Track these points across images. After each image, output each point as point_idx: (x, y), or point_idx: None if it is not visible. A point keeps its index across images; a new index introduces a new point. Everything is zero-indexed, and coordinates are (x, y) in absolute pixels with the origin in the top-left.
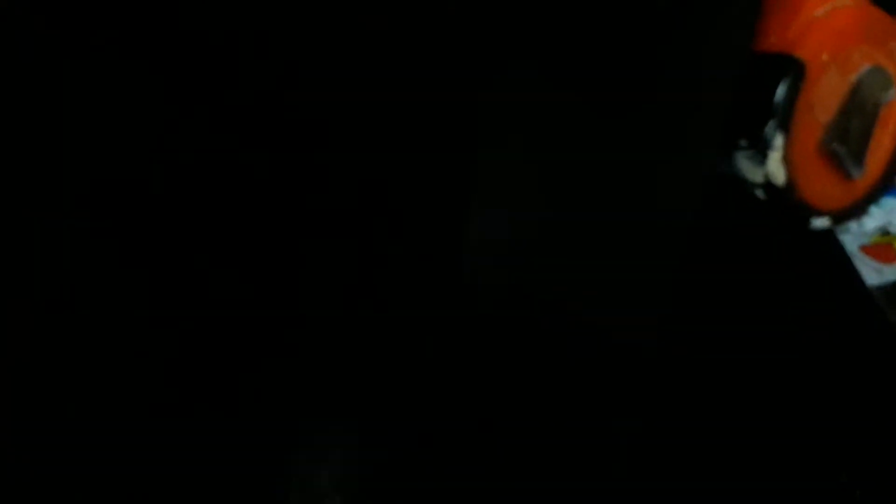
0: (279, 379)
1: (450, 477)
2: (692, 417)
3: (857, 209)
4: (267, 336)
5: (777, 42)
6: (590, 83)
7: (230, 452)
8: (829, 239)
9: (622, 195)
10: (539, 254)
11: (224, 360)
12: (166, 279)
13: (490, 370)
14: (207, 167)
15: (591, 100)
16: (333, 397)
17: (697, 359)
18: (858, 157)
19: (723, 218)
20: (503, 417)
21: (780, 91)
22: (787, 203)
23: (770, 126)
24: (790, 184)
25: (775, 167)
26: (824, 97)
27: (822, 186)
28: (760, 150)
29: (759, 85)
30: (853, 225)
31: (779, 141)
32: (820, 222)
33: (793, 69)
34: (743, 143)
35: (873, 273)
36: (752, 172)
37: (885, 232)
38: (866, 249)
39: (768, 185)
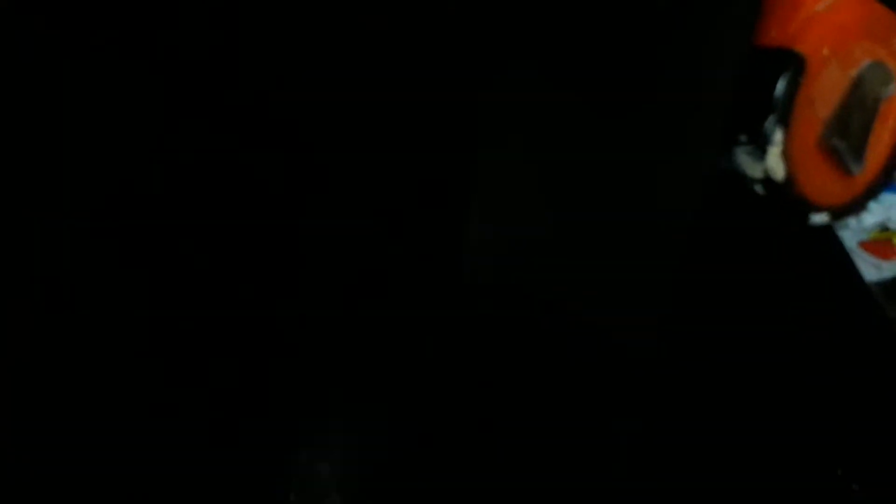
0: (279, 378)
1: (450, 477)
2: (692, 417)
3: (857, 205)
4: (267, 336)
5: (778, 37)
6: (590, 83)
7: (230, 452)
8: (828, 235)
9: (622, 195)
10: (539, 254)
11: (224, 359)
12: (166, 279)
13: (490, 370)
14: (207, 167)
15: (591, 100)
16: (333, 397)
17: (697, 358)
18: (858, 152)
19: (723, 217)
20: (503, 417)
21: (781, 86)
22: (786, 198)
23: (770, 121)
24: (789, 179)
25: (775, 162)
26: (824, 92)
27: (821, 182)
28: (760, 145)
29: (759, 80)
30: (852, 221)
31: (778, 136)
32: (819, 218)
33: (793, 64)
34: (742, 137)
35: (872, 269)
36: (751, 167)
37: (884, 228)
38: (865, 245)
39: (768, 180)
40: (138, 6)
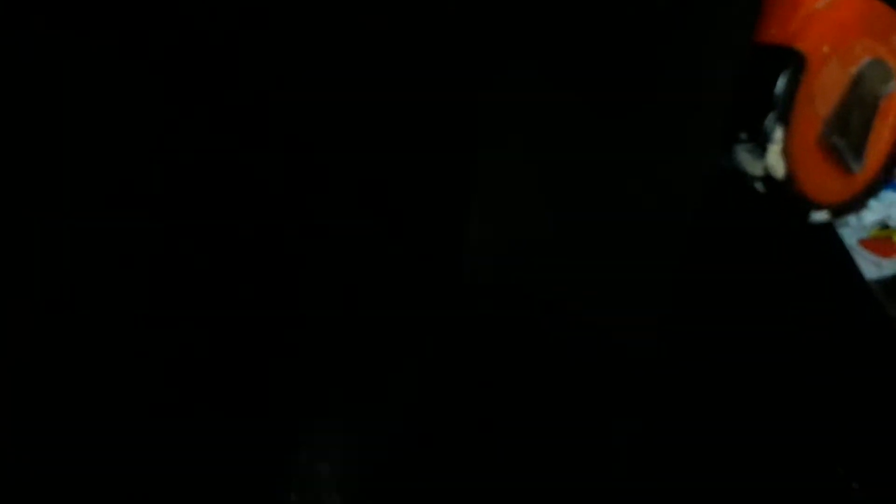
0: (279, 378)
1: (450, 477)
2: (691, 417)
3: (857, 203)
4: (267, 336)
5: (778, 34)
6: (590, 83)
7: (230, 452)
8: (828, 233)
9: (622, 195)
10: (539, 254)
11: (224, 359)
12: (166, 279)
13: (490, 370)
14: (207, 167)
15: (591, 100)
16: (334, 397)
17: (697, 358)
18: (858, 150)
19: (723, 216)
20: (503, 417)
21: (781, 83)
22: (786, 196)
23: (770, 119)
24: (790, 177)
25: (775, 160)
26: (825, 90)
27: (821, 180)
28: (760, 143)
29: (759, 77)
30: (852, 218)
31: (779, 134)
32: (819, 216)
33: (793, 61)
34: (743, 135)
35: (872, 267)
36: (751, 165)
37: (884, 226)
38: (865, 243)
39: (768, 178)
40: (138, 6)
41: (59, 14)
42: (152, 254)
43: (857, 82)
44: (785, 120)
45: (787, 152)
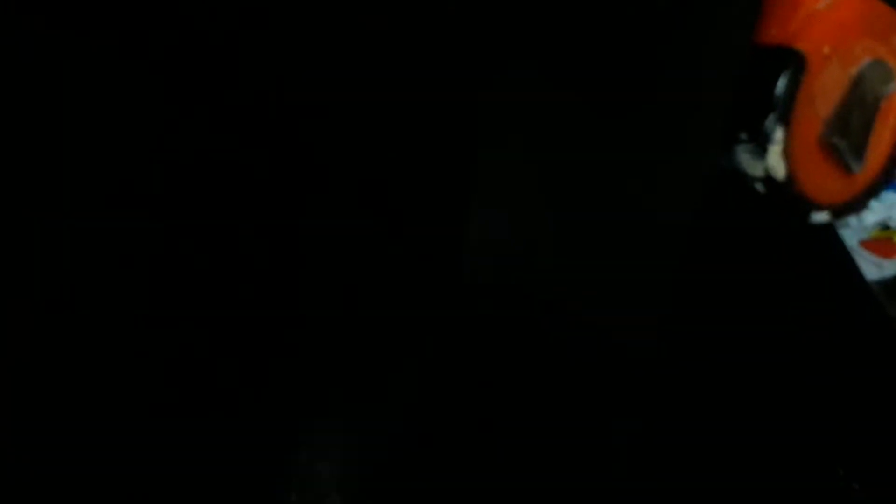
0: (279, 378)
1: (450, 477)
2: (691, 417)
3: (857, 203)
4: (267, 336)
5: (778, 35)
6: (590, 83)
7: (231, 452)
8: (828, 233)
9: (622, 195)
10: (539, 254)
11: (224, 359)
12: (166, 279)
13: (490, 370)
14: (207, 167)
15: (591, 100)
16: (334, 397)
17: (697, 358)
18: (859, 150)
19: (723, 217)
20: (503, 417)
21: (781, 84)
22: (787, 197)
23: (770, 119)
24: (790, 177)
25: (775, 161)
26: (825, 90)
27: (822, 180)
28: (760, 144)
29: (759, 78)
30: (853, 219)
31: (779, 134)
32: (820, 216)
33: (794, 62)
34: (743, 136)
35: (873, 268)
36: (752, 166)
37: (884, 226)
38: (866, 244)
39: (768, 178)
40: (138, 6)
41: (59, 14)
42: (152, 254)
43: (858, 83)
44: (785, 120)
45: (787, 153)
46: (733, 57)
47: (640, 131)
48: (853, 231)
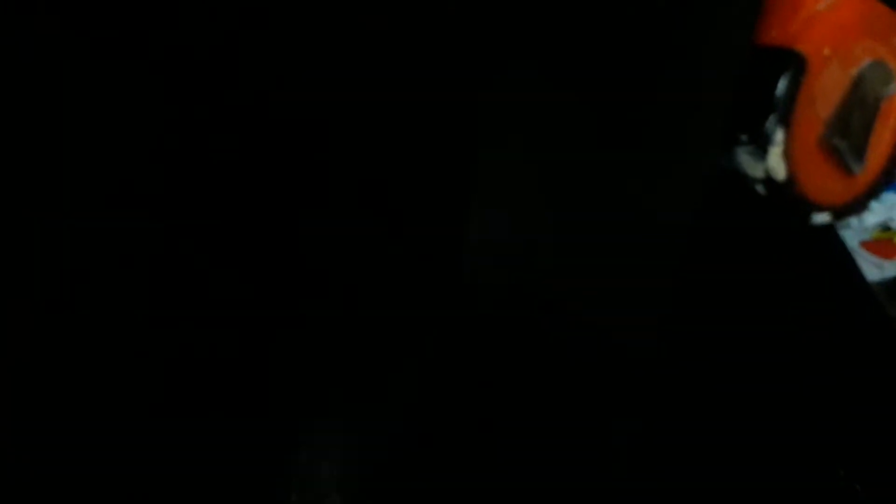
0: (279, 378)
1: (450, 477)
2: (692, 417)
3: (858, 204)
4: (267, 336)
5: (778, 36)
6: (590, 83)
7: (231, 452)
8: (829, 234)
9: (622, 195)
10: (539, 254)
11: (224, 359)
12: (166, 279)
13: (490, 370)
14: (207, 167)
15: (591, 100)
16: (334, 397)
17: (697, 358)
18: (859, 151)
19: (724, 217)
20: (503, 417)
21: (781, 85)
22: (787, 198)
23: (771, 121)
24: (791, 179)
25: (776, 162)
26: (825, 91)
27: (822, 181)
28: (761, 145)
29: (760, 79)
30: (854, 220)
31: (779, 136)
32: (820, 217)
33: (794, 63)
34: (743, 137)
35: (874, 269)
36: (752, 167)
37: (885, 227)
38: (867, 245)
39: (769, 180)
40: (138, 6)
41: (59, 14)
42: (152, 254)
43: (858, 84)
44: (786, 122)
45: (787, 154)
46: (733, 57)
47: (641, 131)
48: (854, 232)
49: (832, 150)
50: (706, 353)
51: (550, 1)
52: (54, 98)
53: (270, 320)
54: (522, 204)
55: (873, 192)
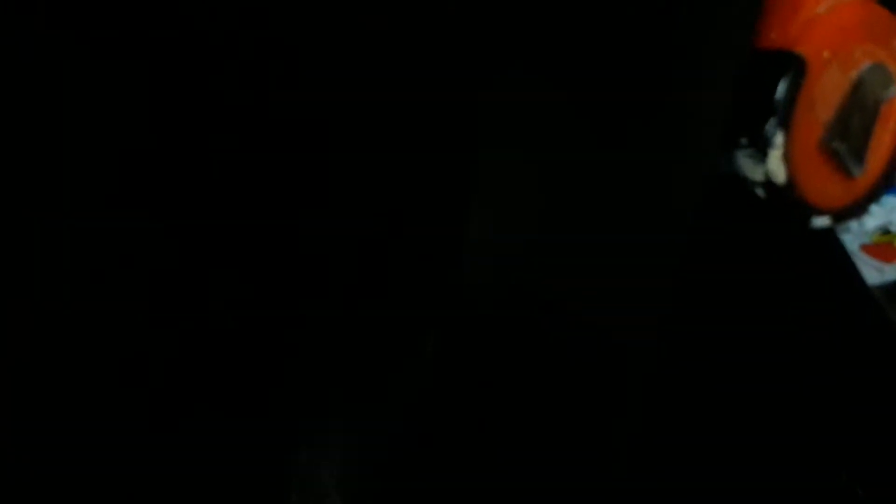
0: (280, 379)
1: (450, 477)
2: (692, 417)
3: (858, 208)
4: (267, 336)
5: (778, 39)
6: (590, 83)
7: (231, 452)
8: (829, 238)
9: (622, 195)
10: (539, 254)
11: (225, 360)
12: (166, 279)
13: (490, 370)
14: (206, 167)
15: (591, 100)
16: (334, 397)
17: (697, 358)
18: (859, 154)
19: (724, 220)
20: (503, 417)
21: (781, 88)
22: (787, 201)
23: (771, 124)
24: (790, 182)
25: (776, 165)
26: (825, 95)
27: (822, 185)
28: (761, 148)
29: (759, 82)
30: (854, 224)
31: (779, 139)
32: (820, 221)
33: (794, 66)
34: (743, 140)
35: (874, 272)
36: (752, 171)
37: (885, 231)
38: (867, 248)
39: (769, 183)
40: (139, 6)
41: (59, 14)
42: (152, 254)
43: (858, 87)
44: (786, 125)
45: (787, 157)
46: (734, 57)
47: (641, 131)
48: (854, 235)
49: (832, 154)
50: (706, 355)
51: (551, 2)
52: (54, 98)
53: (271, 320)
54: (522, 204)
55: (873, 195)
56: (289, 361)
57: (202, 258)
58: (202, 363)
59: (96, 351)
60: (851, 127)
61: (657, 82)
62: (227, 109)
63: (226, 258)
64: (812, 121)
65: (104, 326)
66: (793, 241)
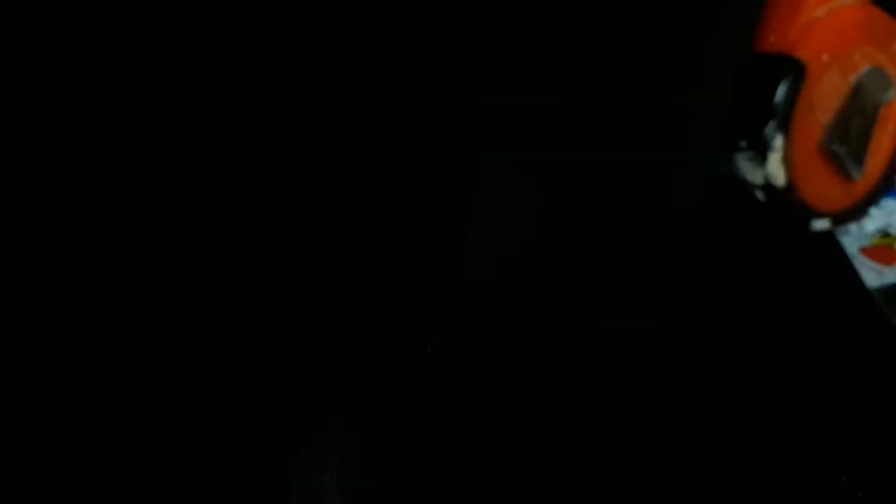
0: (280, 379)
1: (450, 477)
2: (692, 417)
3: (858, 210)
4: (268, 336)
5: (777, 42)
6: (590, 84)
7: (231, 452)
8: (829, 241)
9: (622, 195)
10: (539, 254)
11: (225, 360)
12: (166, 279)
13: (490, 370)
14: (206, 168)
15: (591, 100)
16: (334, 398)
17: (697, 359)
18: (858, 157)
19: (723, 218)
20: (503, 417)
21: (781, 91)
22: (787, 204)
23: (770, 127)
24: (790, 185)
25: (775, 168)
26: (825, 98)
27: (822, 188)
28: (760, 151)
29: (759, 85)
30: (853, 227)
31: (779, 142)
32: (820, 224)
33: (793, 69)
34: (743, 143)
35: (873, 275)
36: (751, 174)
37: (885, 234)
38: (866, 251)
39: (768, 186)
40: (139, 6)
41: (59, 14)
42: (152, 254)
43: (857, 90)
44: (785, 128)
45: (787, 160)
46: (733, 57)
47: (641, 132)
48: (853, 238)
49: (831, 157)
50: (706, 355)
51: (551, 2)
52: (54, 98)
53: (271, 320)
54: (522, 204)
55: (873, 198)
56: (289, 361)
57: (202, 258)
58: (202, 363)
59: (96, 351)
60: (851, 130)
61: (657, 82)
62: (227, 109)
63: (225, 258)
64: (811, 124)
65: (104, 326)
66: (792, 243)
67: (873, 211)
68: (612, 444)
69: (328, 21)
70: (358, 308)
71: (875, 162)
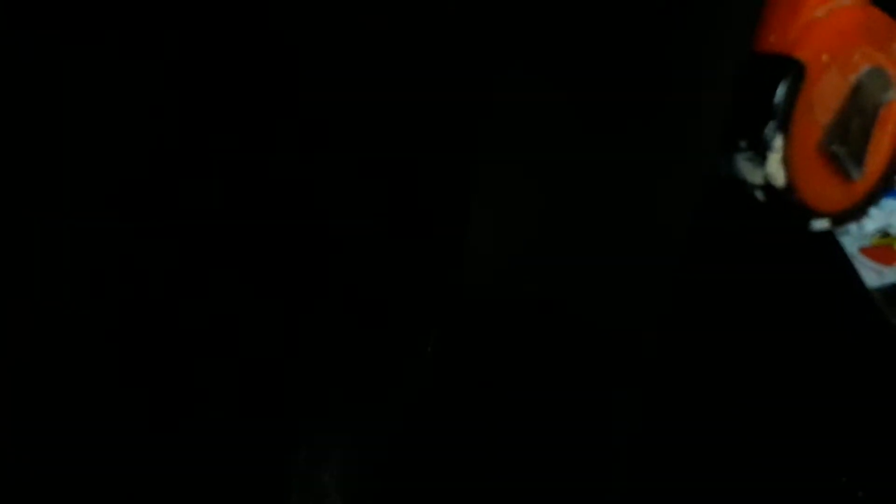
0: (280, 379)
1: (450, 477)
2: (692, 417)
3: (857, 211)
4: (267, 336)
5: (777, 42)
6: (590, 84)
7: (231, 452)
8: (828, 241)
9: (622, 196)
10: (539, 254)
11: (225, 360)
12: (167, 278)
13: (490, 370)
14: (206, 167)
15: (591, 100)
16: (334, 398)
17: (697, 359)
18: (858, 158)
19: (723, 218)
20: (503, 417)
21: (780, 92)
22: (786, 205)
23: (770, 127)
24: (790, 185)
25: (775, 168)
26: (824, 98)
27: (821, 188)
28: (760, 152)
29: (758, 86)
30: (853, 227)
31: (778, 142)
32: (820, 224)
33: (793, 70)
34: (742, 144)
35: (873, 275)
36: (751, 174)
37: (885, 234)
38: (866, 251)
39: (768, 186)
40: (140, 6)
41: (60, 14)
42: (152, 254)
43: (857, 90)
44: (785, 128)
45: (786, 161)
46: (733, 57)
47: (640, 132)
48: (853, 238)
49: (831, 157)
50: (706, 358)
51: (550, 2)
52: (54, 98)
53: (271, 320)
54: (522, 204)
55: (872, 198)
56: (289, 361)
57: (202, 258)
58: (202, 363)
59: (96, 351)
60: (850, 130)
61: (657, 82)
62: (228, 109)
63: (225, 258)
64: (811, 124)
65: (104, 326)
66: (792, 243)
67: (873, 211)
68: (612, 444)
69: (328, 20)
70: (358, 308)
71: (875, 162)
